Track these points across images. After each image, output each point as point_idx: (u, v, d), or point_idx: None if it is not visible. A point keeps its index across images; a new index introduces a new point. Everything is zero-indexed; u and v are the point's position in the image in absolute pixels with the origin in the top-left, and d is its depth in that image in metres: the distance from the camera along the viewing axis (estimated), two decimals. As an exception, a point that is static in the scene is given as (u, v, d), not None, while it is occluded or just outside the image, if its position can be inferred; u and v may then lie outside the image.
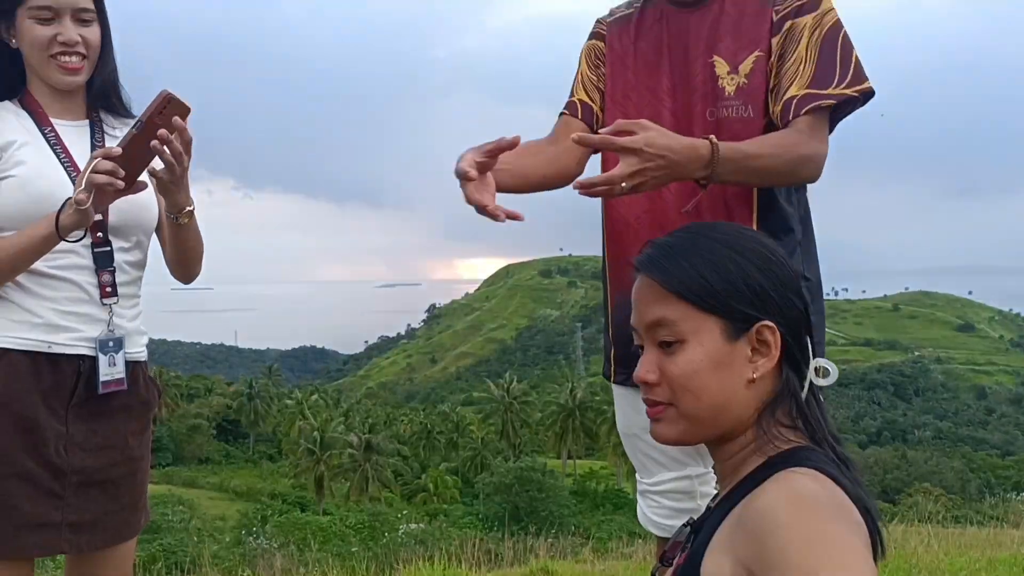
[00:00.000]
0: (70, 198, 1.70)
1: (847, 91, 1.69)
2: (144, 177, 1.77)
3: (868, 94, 1.71)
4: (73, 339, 1.84)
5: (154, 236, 2.03)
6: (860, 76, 1.70)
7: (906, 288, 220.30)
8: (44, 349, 1.82)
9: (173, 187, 1.78)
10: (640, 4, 1.94)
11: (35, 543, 1.81)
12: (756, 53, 1.75)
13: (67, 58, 1.83)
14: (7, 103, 1.89)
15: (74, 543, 1.85)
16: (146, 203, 1.93)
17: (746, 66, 1.76)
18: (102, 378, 1.85)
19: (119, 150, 1.65)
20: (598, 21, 2.03)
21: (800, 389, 1.09)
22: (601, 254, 2.02)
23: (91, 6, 1.85)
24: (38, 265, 1.81)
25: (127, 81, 2.01)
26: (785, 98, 1.71)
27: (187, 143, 1.71)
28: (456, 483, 48.09)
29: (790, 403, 1.08)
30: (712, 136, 1.57)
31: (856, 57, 1.71)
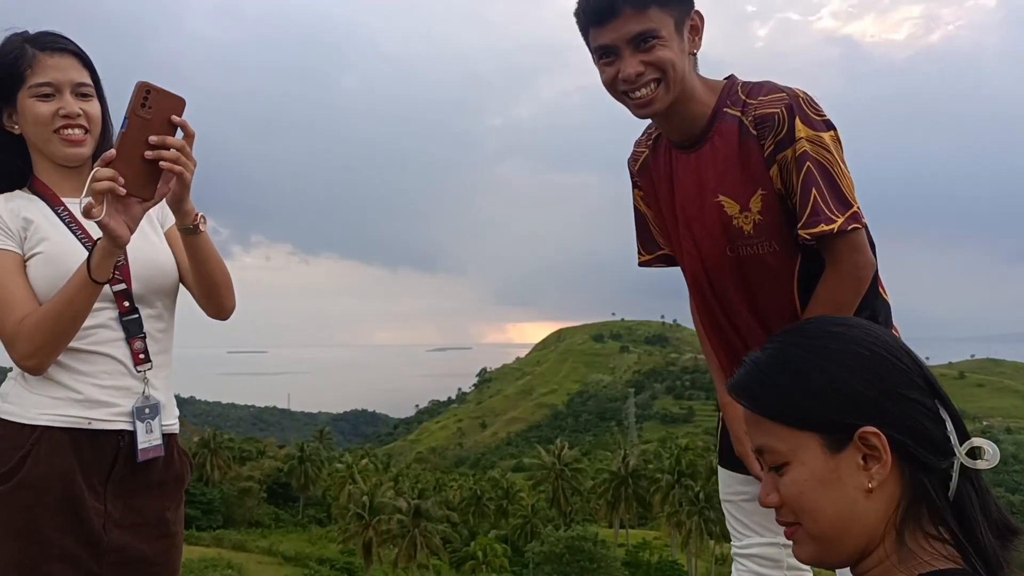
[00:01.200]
0: (96, 240, 1.72)
1: (835, 222, 1.70)
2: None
3: (853, 219, 1.72)
4: (111, 414, 1.85)
5: (182, 299, 2.03)
6: (844, 202, 1.71)
7: (972, 355, 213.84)
8: (84, 426, 1.82)
9: (185, 196, 1.75)
10: (652, 142, 2.02)
11: None
12: (760, 192, 1.79)
13: (70, 131, 1.87)
14: (18, 191, 1.92)
15: None
16: (165, 267, 1.97)
17: (755, 203, 1.80)
18: (140, 446, 1.85)
19: (114, 153, 1.63)
20: (630, 171, 2.10)
21: (933, 487, 1.00)
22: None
23: (89, 81, 1.89)
24: (74, 343, 1.82)
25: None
26: (800, 235, 1.76)
27: (190, 138, 1.69)
28: (505, 551, 47.25)
29: (926, 507, 1.00)
30: None
31: (836, 181, 1.72)
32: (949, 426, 1.01)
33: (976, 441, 1.01)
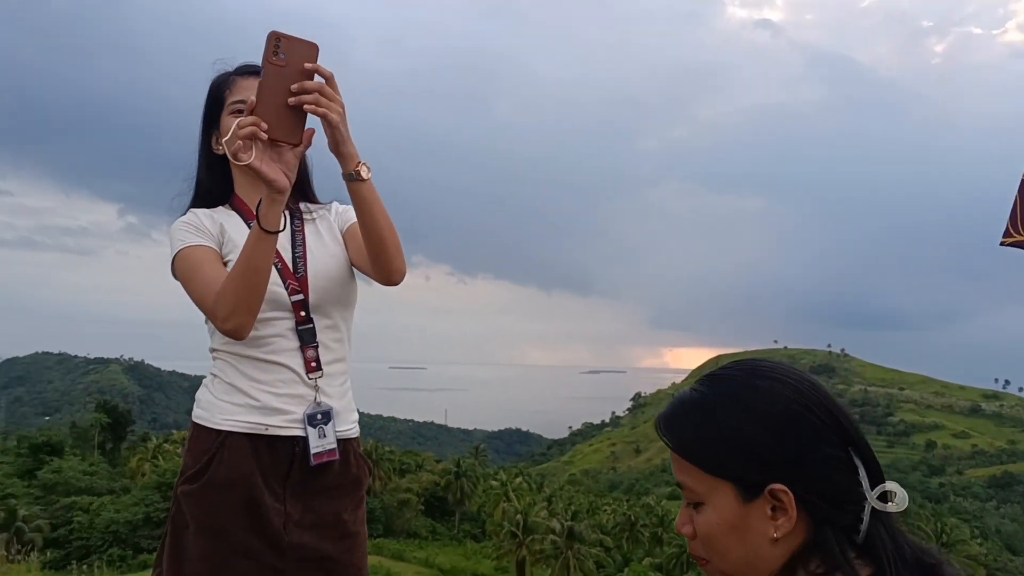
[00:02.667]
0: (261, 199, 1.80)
1: None
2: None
3: None
4: (286, 421, 1.93)
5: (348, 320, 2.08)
6: None
7: None
8: (262, 431, 1.92)
9: (339, 138, 1.79)
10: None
11: None
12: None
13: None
14: (220, 208, 2.08)
15: None
16: (342, 278, 2.04)
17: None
18: (313, 450, 1.92)
19: (253, 100, 1.70)
20: None
21: (835, 536, 1.04)
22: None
23: None
24: (253, 352, 1.94)
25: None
26: None
27: (328, 79, 1.73)
28: (659, 580, 46.27)
29: (818, 556, 1.04)
30: None
31: None
32: (862, 472, 1.06)
33: (888, 486, 1.05)
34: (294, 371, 1.96)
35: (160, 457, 59.17)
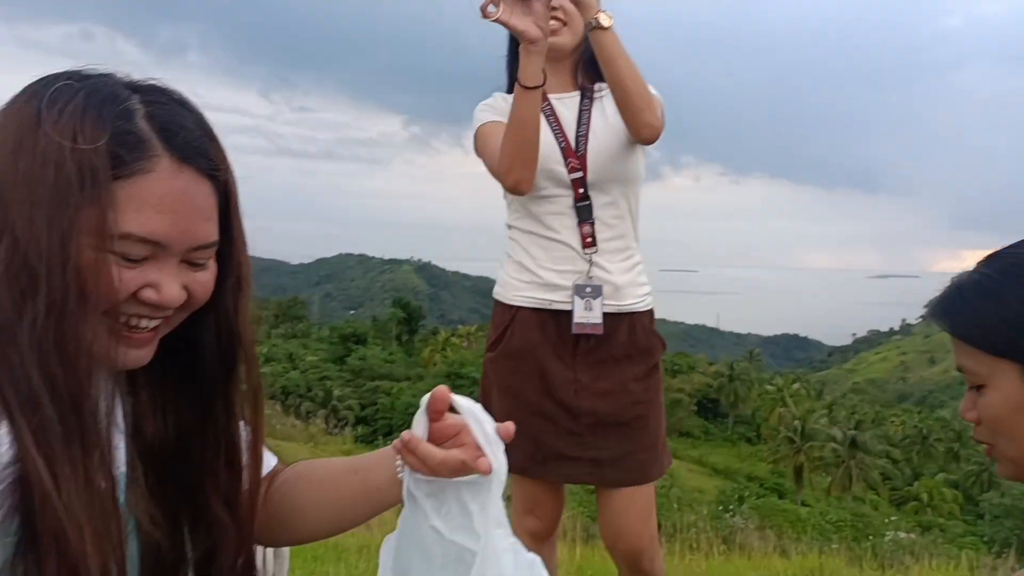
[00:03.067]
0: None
1: None
2: None
3: None
4: (566, 296, 2.04)
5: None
6: None
7: None
8: (546, 306, 2.05)
9: None
10: None
11: (561, 472, 2.07)
12: None
13: (554, 23, 1.99)
14: None
15: (596, 476, 2.06)
16: (623, 155, 2.05)
17: None
18: (576, 320, 2.00)
19: None
20: None
21: None
22: None
23: None
24: (536, 228, 2.08)
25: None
26: None
27: None
28: (956, 497, 42.97)
29: None
30: None
31: None
32: None
33: None
34: (571, 247, 2.05)
35: (448, 349, 64.16)
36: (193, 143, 0.84)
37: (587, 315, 2.01)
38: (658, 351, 2.13)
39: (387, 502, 0.98)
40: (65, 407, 0.78)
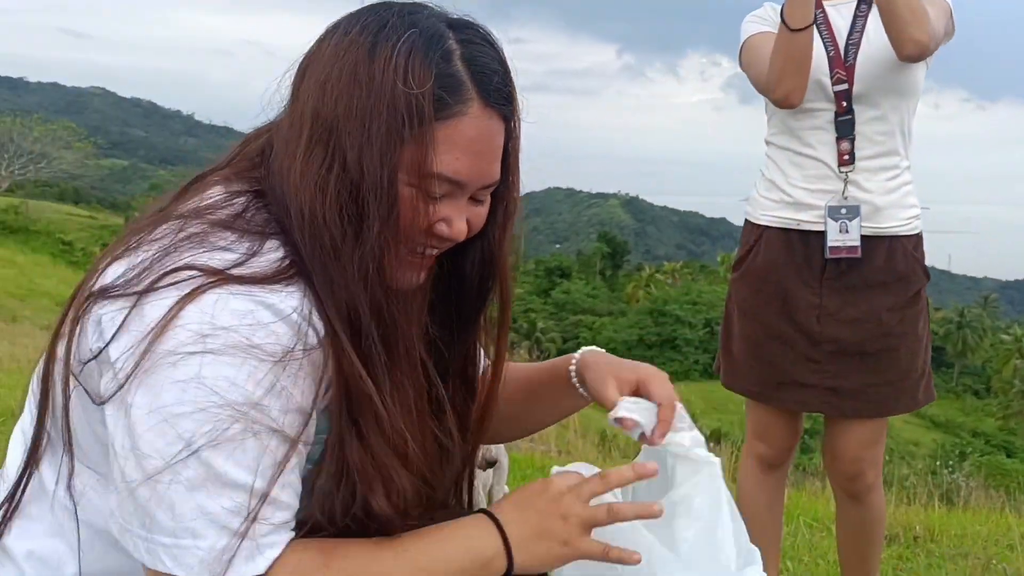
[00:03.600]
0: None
1: None
2: None
3: None
4: (816, 216, 1.96)
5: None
6: None
7: None
8: (794, 226, 1.99)
9: None
10: None
11: (796, 399, 2.03)
12: None
13: None
14: None
15: (834, 406, 2.00)
16: (898, 65, 1.89)
17: None
18: (830, 243, 1.93)
19: None
20: None
21: None
22: None
23: None
24: (792, 144, 2.01)
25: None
26: None
27: None
28: None
29: None
30: None
31: None
32: None
33: None
34: (827, 164, 1.95)
35: (652, 285, 63.95)
36: (500, 88, 0.90)
37: (843, 238, 1.92)
38: (920, 280, 2.00)
39: (574, 408, 1.19)
40: (387, 330, 0.87)
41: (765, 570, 2.08)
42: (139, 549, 0.81)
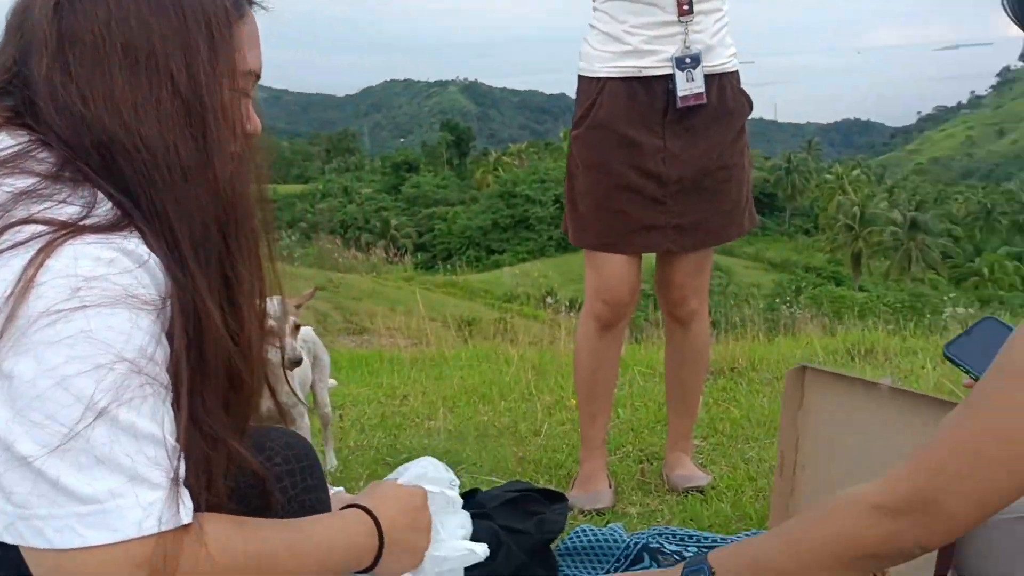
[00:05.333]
0: None
1: None
2: None
3: None
4: (658, 61, 2.02)
5: None
6: None
7: None
8: (636, 74, 2.04)
9: None
10: None
11: (645, 243, 2.12)
12: None
13: None
14: None
15: (679, 243, 2.12)
16: None
17: None
18: (680, 93, 2.00)
19: None
20: None
21: None
22: None
23: None
24: None
25: None
26: None
27: None
28: (1018, 269, 42.78)
29: None
30: None
31: None
32: None
33: None
34: (666, 11, 2.00)
35: (500, 169, 64.18)
36: None
37: (690, 86, 2.00)
38: (746, 112, 2.15)
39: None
40: (240, 246, 0.88)
41: (597, 426, 2.24)
42: (44, 533, 0.73)
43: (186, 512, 0.78)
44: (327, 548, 0.92)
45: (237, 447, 0.87)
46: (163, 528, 0.75)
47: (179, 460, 0.79)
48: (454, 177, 69.22)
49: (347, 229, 50.56)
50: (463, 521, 1.08)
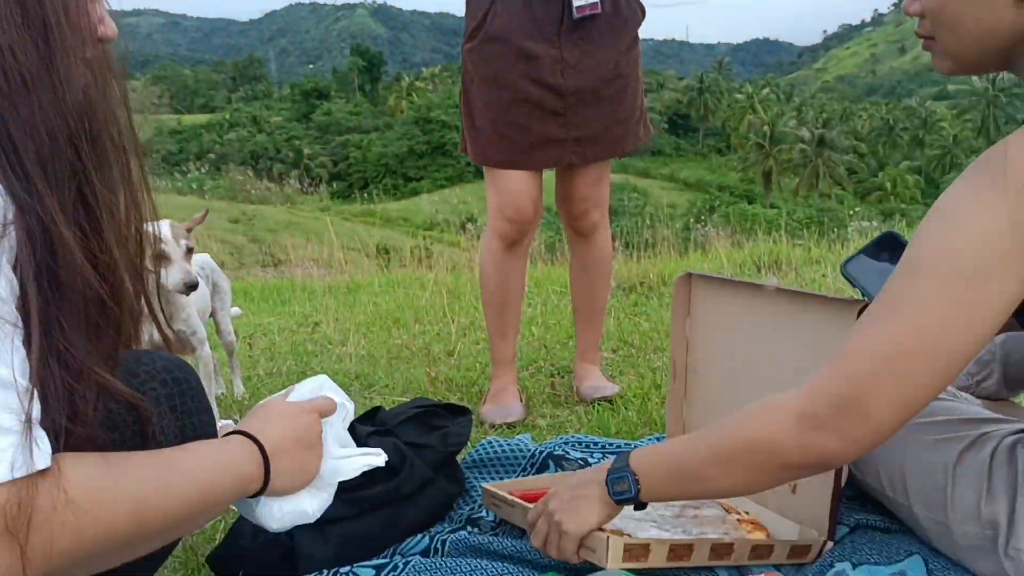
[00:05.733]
0: None
1: None
2: None
3: None
4: None
5: None
6: None
7: None
8: None
9: None
10: None
11: (547, 157, 2.09)
12: None
13: None
14: None
15: (580, 155, 2.10)
16: None
17: None
18: (576, 3, 1.98)
19: None
20: None
21: None
22: None
23: None
24: None
25: None
26: None
27: None
28: (918, 183, 44.63)
29: None
30: None
31: None
32: None
33: None
34: None
35: (414, 94, 62.88)
36: None
37: None
38: (639, 19, 2.13)
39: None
40: (99, 163, 0.80)
41: (507, 342, 2.25)
42: None
43: (41, 456, 0.71)
44: (207, 481, 0.87)
45: (105, 376, 0.80)
46: (16, 475, 0.69)
47: (31, 401, 0.72)
48: (367, 104, 67.59)
49: (258, 160, 49.09)
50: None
